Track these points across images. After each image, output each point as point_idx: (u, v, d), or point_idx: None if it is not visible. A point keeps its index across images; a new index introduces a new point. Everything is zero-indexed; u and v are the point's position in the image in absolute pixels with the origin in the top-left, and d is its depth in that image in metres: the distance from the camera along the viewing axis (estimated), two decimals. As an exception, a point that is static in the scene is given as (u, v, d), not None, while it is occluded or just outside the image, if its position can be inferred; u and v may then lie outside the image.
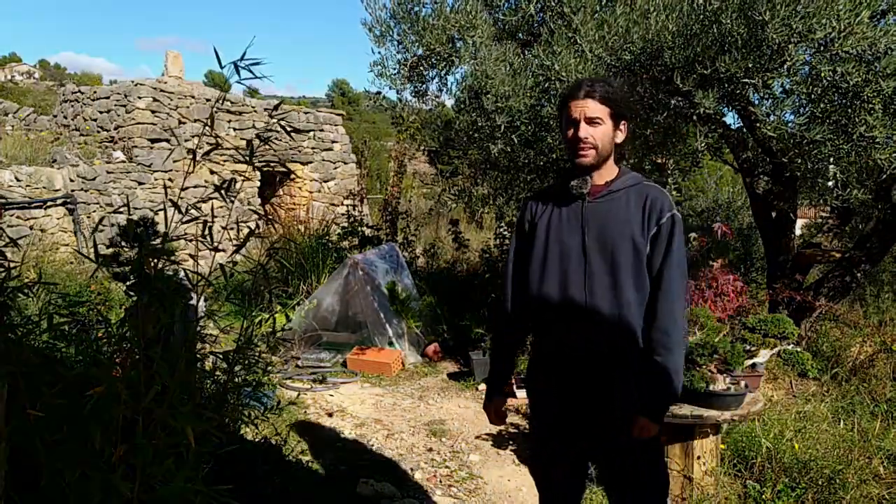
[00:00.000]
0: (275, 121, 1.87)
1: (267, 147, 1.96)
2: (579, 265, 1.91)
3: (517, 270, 2.07)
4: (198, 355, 2.22)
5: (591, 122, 1.89)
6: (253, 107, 9.55)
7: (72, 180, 7.49)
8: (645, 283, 1.87)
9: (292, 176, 10.31)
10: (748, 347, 3.37)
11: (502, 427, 4.26)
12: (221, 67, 1.67)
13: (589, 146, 1.90)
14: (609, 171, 1.96)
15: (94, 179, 7.75)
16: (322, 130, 10.57)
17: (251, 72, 1.71)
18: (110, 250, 3.88)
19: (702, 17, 3.25)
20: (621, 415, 1.90)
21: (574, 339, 1.94)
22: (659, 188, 1.94)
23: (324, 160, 10.57)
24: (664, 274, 1.85)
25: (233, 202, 1.91)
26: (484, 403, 2.21)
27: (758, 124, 3.50)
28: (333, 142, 10.74)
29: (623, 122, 1.95)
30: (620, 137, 1.95)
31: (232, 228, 2.01)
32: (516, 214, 7.26)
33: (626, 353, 1.90)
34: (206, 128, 1.68)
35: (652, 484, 1.98)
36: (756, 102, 3.53)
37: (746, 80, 3.22)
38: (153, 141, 8.43)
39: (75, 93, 9.58)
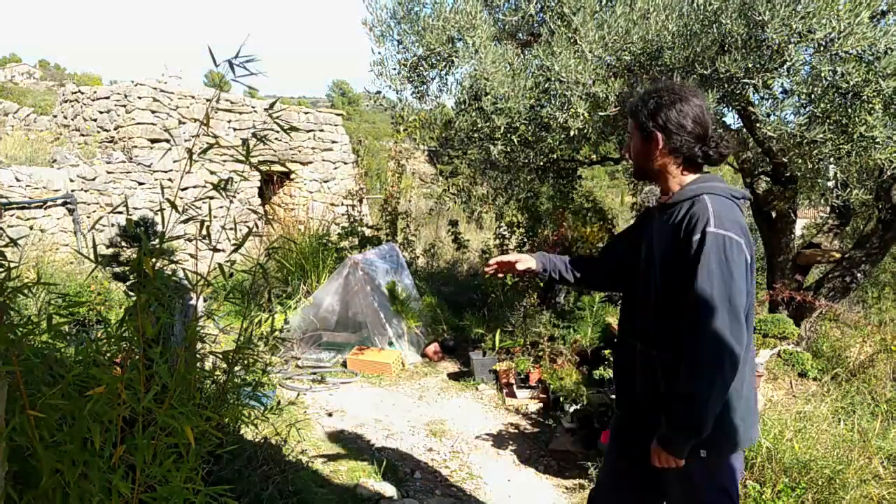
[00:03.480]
0: (272, 120, 1.87)
1: (266, 147, 1.95)
2: (635, 280, 1.96)
3: (614, 240, 2.24)
4: (197, 355, 2.22)
5: (630, 137, 1.93)
6: (252, 107, 9.54)
7: (72, 180, 7.49)
8: (677, 306, 1.76)
9: (292, 176, 10.31)
10: (748, 347, 3.36)
11: (502, 427, 4.27)
12: (216, 65, 1.67)
13: (630, 160, 1.96)
14: (672, 184, 1.88)
15: (94, 179, 7.75)
16: (322, 130, 10.57)
17: (247, 69, 1.71)
18: (110, 250, 3.88)
19: (702, 17, 3.25)
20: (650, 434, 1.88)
21: (618, 345, 2.04)
22: (708, 201, 1.74)
23: (324, 160, 10.57)
24: (690, 301, 1.70)
25: (231, 202, 1.91)
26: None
27: (758, 124, 3.50)
28: (333, 142, 10.74)
29: (652, 133, 1.83)
30: (655, 149, 1.85)
31: (231, 228, 2.01)
32: (516, 214, 7.18)
33: (655, 374, 1.86)
34: (203, 126, 1.68)
35: None
36: (756, 102, 3.53)
37: (746, 80, 3.22)
38: (153, 141, 8.43)
39: (75, 93, 9.57)
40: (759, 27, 3.04)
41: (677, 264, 1.76)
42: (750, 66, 3.17)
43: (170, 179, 8.35)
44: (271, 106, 2.08)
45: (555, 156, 4.91)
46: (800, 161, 3.59)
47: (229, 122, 9.24)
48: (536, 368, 4.72)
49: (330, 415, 4.40)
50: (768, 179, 4.74)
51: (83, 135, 8.95)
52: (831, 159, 3.48)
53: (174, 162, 8.50)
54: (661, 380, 1.83)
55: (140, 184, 8.26)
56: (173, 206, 1.67)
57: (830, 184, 3.81)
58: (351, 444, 3.91)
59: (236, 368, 2.12)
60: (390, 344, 5.64)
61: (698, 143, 1.83)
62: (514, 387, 4.82)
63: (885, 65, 2.91)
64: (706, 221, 1.70)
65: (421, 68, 4.40)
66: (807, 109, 3.33)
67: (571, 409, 4.07)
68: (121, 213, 7.64)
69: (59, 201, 7.22)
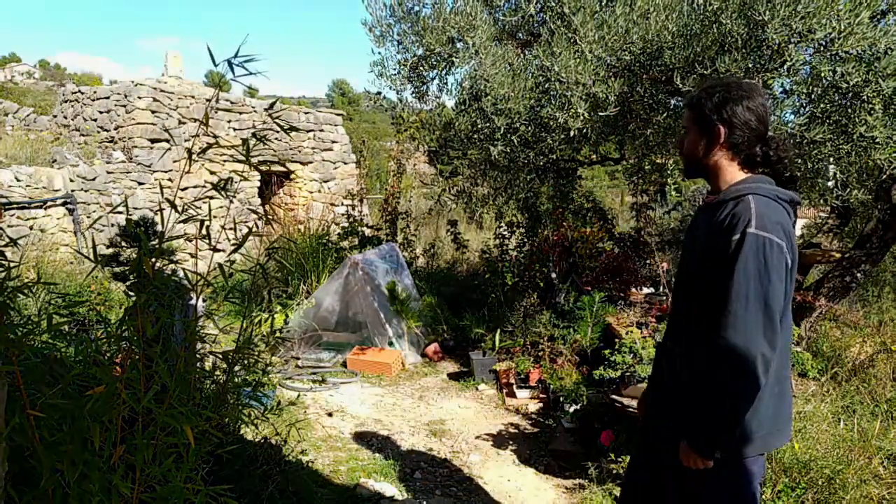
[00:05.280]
0: (272, 120, 1.87)
1: (266, 147, 1.96)
2: (676, 276, 1.99)
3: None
4: (197, 355, 2.22)
5: (685, 130, 1.89)
6: (253, 107, 9.54)
7: (72, 180, 7.49)
8: (708, 305, 1.74)
9: (292, 176, 10.31)
10: (748, 347, 3.35)
11: (502, 427, 4.26)
12: (215, 65, 1.67)
13: (682, 154, 1.93)
14: (723, 181, 1.83)
15: (94, 179, 7.75)
16: (322, 130, 10.57)
17: (246, 69, 1.71)
18: (110, 250, 3.88)
19: (702, 17, 3.25)
20: (670, 435, 1.87)
21: (659, 347, 2.07)
22: (752, 202, 1.70)
23: (324, 160, 10.57)
24: (725, 301, 1.66)
25: (231, 202, 1.91)
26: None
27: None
28: (333, 142, 10.74)
29: (714, 126, 1.79)
30: (715, 143, 1.81)
31: (231, 228, 2.01)
32: (516, 214, 7.18)
33: (685, 371, 1.87)
34: (202, 126, 1.68)
35: None
36: (756, 102, 3.52)
37: (746, 80, 3.22)
38: (153, 141, 8.43)
39: (75, 93, 9.57)
40: (759, 27, 3.04)
41: (714, 264, 1.72)
42: (750, 66, 3.17)
43: (170, 179, 8.35)
44: (271, 106, 2.08)
45: (555, 156, 4.92)
46: (800, 161, 3.58)
47: (229, 122, 9.24)
48: (536, 368, 4.72)
49: (330, 415, 4.40)
50: (768, 179, 4.73)
51: (83, 135, 8.95)
52: (831, 159, 3.48)
53: (174, 162, 8.50)
54: (678, 373, 1.87)
55: (140, 184, 8.26)
56: (173, 206, 1.67)
57: (830, 184, 3.81)
58: (351, 445, 3.91)
59: (236, 368, 2.12)
60: (390, 344, 5.64)
61: (758, 142, 1.80)
62: (514, 387, 4.82)
63: (885, 65, 2.91)
64: (747, 222, 1.66)
65: (421, 69, 4.39)
66: (807, 109, 3.33)
67: (571, 409, 4.07)
68: (121, 212, 7.64)
69: (59, 201, 7.22)
